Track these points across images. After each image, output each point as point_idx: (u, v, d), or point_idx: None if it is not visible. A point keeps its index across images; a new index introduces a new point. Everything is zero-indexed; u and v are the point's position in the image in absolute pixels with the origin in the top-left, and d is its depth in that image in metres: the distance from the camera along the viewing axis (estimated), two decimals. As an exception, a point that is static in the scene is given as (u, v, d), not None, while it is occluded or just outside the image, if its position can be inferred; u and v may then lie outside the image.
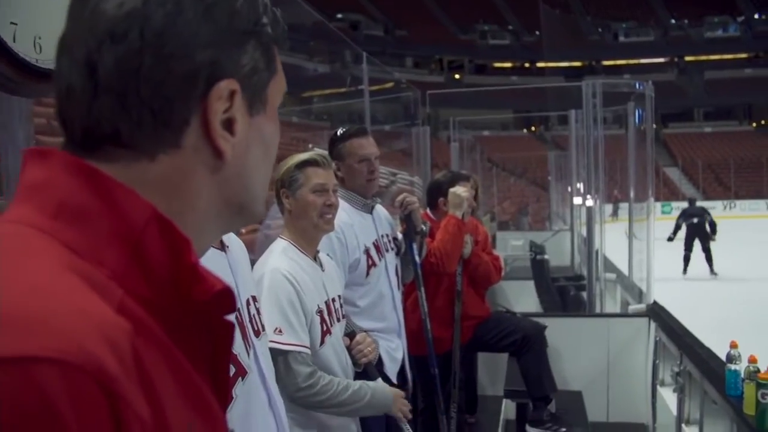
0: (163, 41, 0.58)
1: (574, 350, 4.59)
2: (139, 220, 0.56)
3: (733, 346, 3.15)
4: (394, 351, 2.85)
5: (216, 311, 0.59)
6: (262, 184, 0.68)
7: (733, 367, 3.08)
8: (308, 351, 2.05)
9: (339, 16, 42.19)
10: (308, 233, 2.19)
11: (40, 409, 0.44)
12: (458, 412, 3.60)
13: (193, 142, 0.60)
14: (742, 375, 2.97)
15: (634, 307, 5.10)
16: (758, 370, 2.89)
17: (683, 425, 3.82)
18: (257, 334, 1.61)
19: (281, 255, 2.13)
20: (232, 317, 0.61)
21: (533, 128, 44.76)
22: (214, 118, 0.60)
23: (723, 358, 3.23)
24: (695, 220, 15.01)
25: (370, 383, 2.19)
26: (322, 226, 2.19)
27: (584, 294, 6.01)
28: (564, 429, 3.69)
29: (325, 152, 2.36)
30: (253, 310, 1.62)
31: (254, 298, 1.66)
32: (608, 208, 7.03)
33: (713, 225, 14.80)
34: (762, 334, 7.23)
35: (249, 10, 0.63)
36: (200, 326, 0.58)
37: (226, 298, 0.58)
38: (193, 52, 0.59)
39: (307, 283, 2.10)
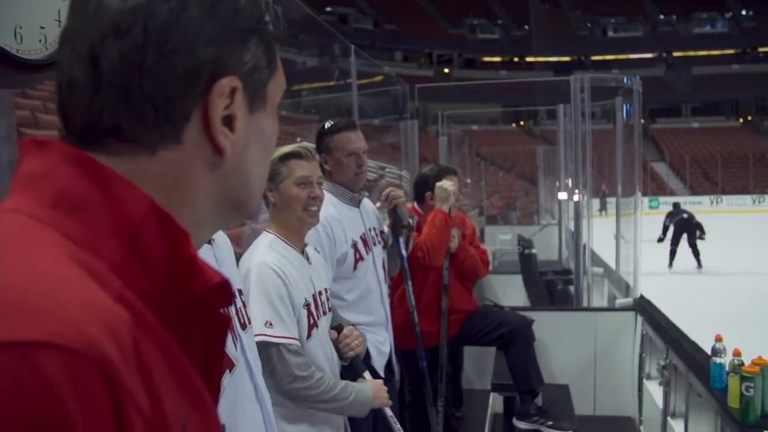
0: (167, 37, 0.58)
1: (562, 344, 4.61)
2: (138, 212, 0.56)
3: (718, 339, 3.18)
4: (381, 344, 2.85)
5: (213, 303, 0.59)
6: (260, 181, 0.69)
7: (718, 360, 3.11)
8: (299, 343, 2.05)
9: (328, 9, 42.10)
10: (293, 226, 2.18)
11: (40, 394, 0.44)
12: (445, 406, 3.61)
13: (194, 137, 0.61)
14: (727, 368, 3.00)
15: (620, 301, 5.13)
16: (742, 364, 2.91)
17: (669, 418, 3.85)
18: (243, 327, 1.62)
19: (268, 248, 2.12)
20: (226, 310, 0.61)
21: (522, 123, 44.87)
22: (215, 114, 0.61)
23: (708, 351, 3.25)
24: (684, 216, 15.31)
25: (353, 384, 2.19)
26: (306, 219, 2.18)
27: (572, 288, 6.04)
28: (551, 422, 3.70)
29: (309, 144, 2.34)
30: (239, 304, 1.62)
31: (240, 292, 1.67)
32: (596, 202, 7.07)
33: (700, 226, 15.09)
34: (747, 328, 7.30)
35: (252, 7, 0.64)
36: (196, 319, 0.59)
37: (223, 290, 0.58)
38: (196, 49, 0.59)
39: (294, 276, 2.10)
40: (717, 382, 3.08)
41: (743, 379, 2.85)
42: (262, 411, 1.61)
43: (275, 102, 0.69)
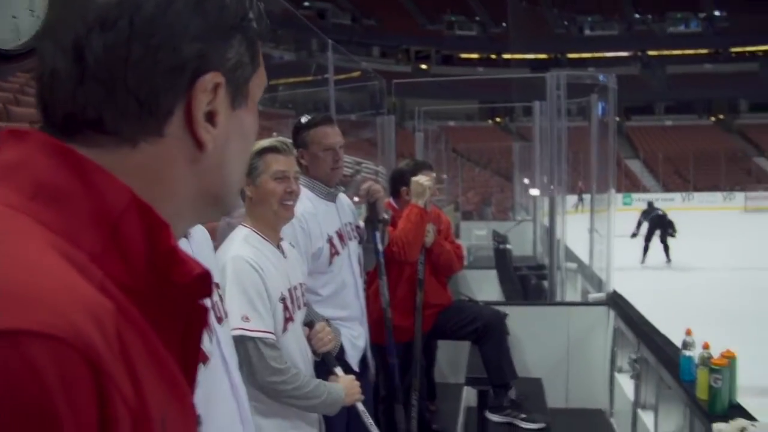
0: (153, 31, 0.58)
1: (535, 338, 4.65)
2: (119, 204, 0.56)
3: (688, 333, 3.24)
4: (356, 339, 2.86)
5: (194, 294, 0.59)
6: (239, 176, 0.70)
7: (687, 353, 3.18)
8: (275, 337, 2.06)
9: (306, 4, 41.91)
10: (269, 220, 2.18)
11: (28, 382, 0.44)
12: (420, 400, 3.62)
13: (176, 132, 0.61)
14: (696, 361, 3.06)
15: (593, 295, 5.19)
16: (711, 356, 2.98)
17: (639, 410, 3.91)
18: (219, 320, 1.62)
19: (243, 242, 2.12)
20: (206, 302, 0.61)
21: (498, 119, 45.08)
22: (197, 109, 0.61)
23: (678, 345, 3.31)
24: (658, 212, 15.71)
25: (326, 383, 2.20)
26: (282, 213, 2.18)
27: (545, 283, 6.09)
28: (523, 415, 3.74)
29: (286, 139, 2.34)
30: (215, 297, 1.62)
31: (217, 285, 1.67)
32: (571, 199, 7.16)
33: (672, 224, 15.53)
34: (716, 322, 7.43)
35: (237, 5, 0.64)
36: (175, 310, 0.59)
37: (204, 281, 0.59)
38: (182, 44, 0.60)
39: (270, 270, 2.10)
40: (686, 375, 3.14)
41: (712, 371, 2.91)
42: (237, 405, 1.61)
43: (256, 98, 0.69)
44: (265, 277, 2.06)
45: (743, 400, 2.93)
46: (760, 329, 9.68)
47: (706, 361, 2.98)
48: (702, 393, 2.95)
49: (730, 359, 2.96)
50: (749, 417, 2.73)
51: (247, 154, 0.71)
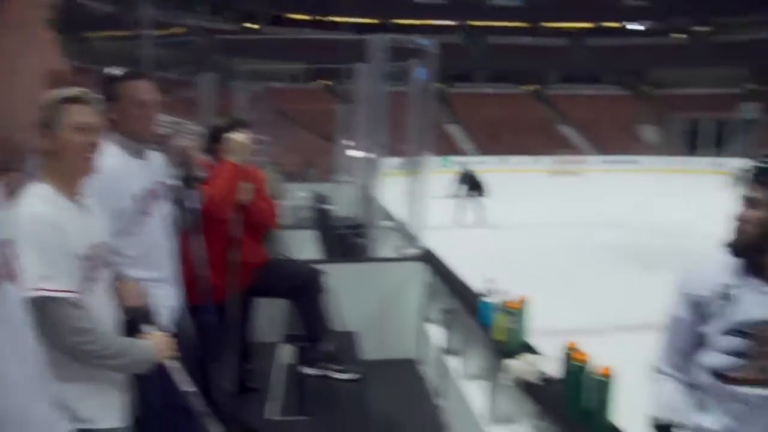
0: None
1: (352, 293, 4.79)
2: None
3: (490, 282, 3.53)
4: (167, 300, 2.81)
5: None
6: (13, 111, 0.63)
7: (487, 300, 3.47)
8: (78, 296, 1.98)
9: (123, -48, 39.31)
10: (69, 175, 2.08)
11: None
12: (237, 359, 3.64)
13: None
14: (495, 306, 3.36)
15: (407, 251, 5.43)
16: (506, 302, 3.29)
17: (448, 356, 4.19)
18: (11, 279, 1.55)
19: (41, 199, 2.01)
20: None
21: (325, 81, 45.18)
22: None
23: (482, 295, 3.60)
24: (471, 174, 16.92)
25: (136, 340, 2.16)
26: (83, 167, 2.09)
27: (363, 241, 6.27)
28: (338, 367, 3.85)
29: (88, 90, 2.24)
30: (4, 255, 1.55)
31: (7, 243, 1.59)
32: (392, 161, 7.37)
33: (483, 185, 16.85)
34: (520, 274, 8.05)
35: None
36: None
37: None
38: None
39: (70, 227, 2.01)
40: (486, 319, 3.43)
41: (508, 314, 3.22)
42: (30, 370, 1.55)
43: (29, 24, 0.62)
44: (65, 235, 1.98)
45: (539, 341, 3.24)
46: (558, 279, 10.74)
47: (503, 306, 3.28)
48: (500, 334, 3.24)
49: (522, 303, 3.28)
50: (536, 353, 3.05)
51: (24, 87, 0.64)
